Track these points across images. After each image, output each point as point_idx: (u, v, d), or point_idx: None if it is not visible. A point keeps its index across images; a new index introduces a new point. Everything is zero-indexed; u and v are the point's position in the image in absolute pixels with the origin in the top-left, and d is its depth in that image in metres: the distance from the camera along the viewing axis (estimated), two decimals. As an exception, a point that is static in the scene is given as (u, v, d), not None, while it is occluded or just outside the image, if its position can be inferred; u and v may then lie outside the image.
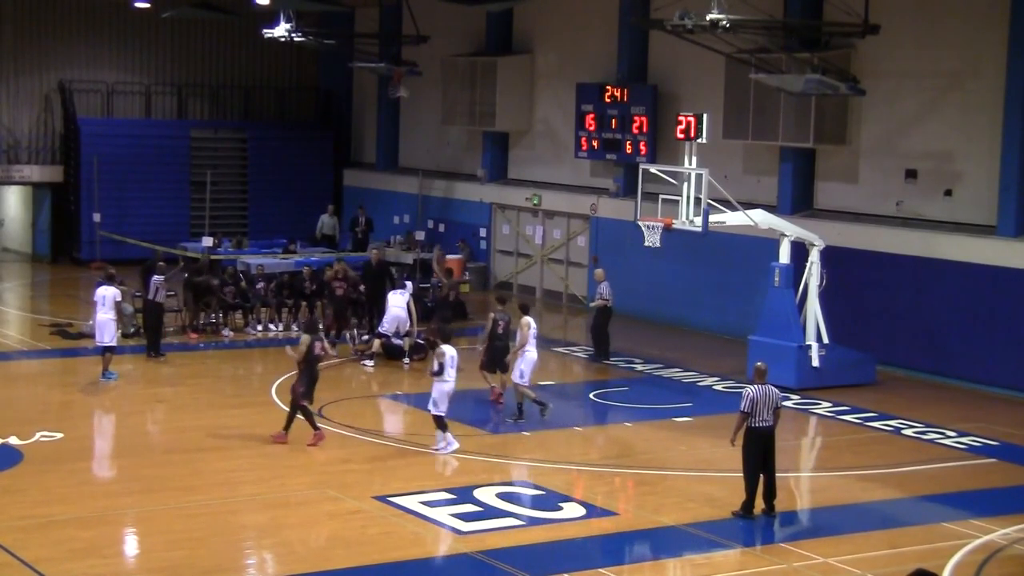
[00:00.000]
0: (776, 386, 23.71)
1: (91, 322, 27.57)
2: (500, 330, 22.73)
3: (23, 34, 38.36)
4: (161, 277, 25.81)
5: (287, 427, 19.95)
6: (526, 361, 21.86)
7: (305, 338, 20.08)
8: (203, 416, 21.62)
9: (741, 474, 17.38)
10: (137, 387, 23.93)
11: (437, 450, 19.64)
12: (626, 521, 17.03)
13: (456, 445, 19.64)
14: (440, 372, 19.57)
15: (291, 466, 19.27)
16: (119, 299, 24.30)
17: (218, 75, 41.05)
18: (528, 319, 22.19)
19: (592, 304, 27.10)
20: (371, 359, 25.73)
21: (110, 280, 24.63)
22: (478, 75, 35.53)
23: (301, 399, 19.78)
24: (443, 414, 19.64)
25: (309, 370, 19.88)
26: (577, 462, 19.68)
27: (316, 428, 19.88)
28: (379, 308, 27.32)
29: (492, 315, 23.06)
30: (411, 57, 35.31)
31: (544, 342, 29.06)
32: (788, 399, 23.58)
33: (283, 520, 16.51)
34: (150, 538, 15.83)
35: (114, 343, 23.92)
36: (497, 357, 22.74)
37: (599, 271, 28.76)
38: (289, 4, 33.33)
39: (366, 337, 27.01)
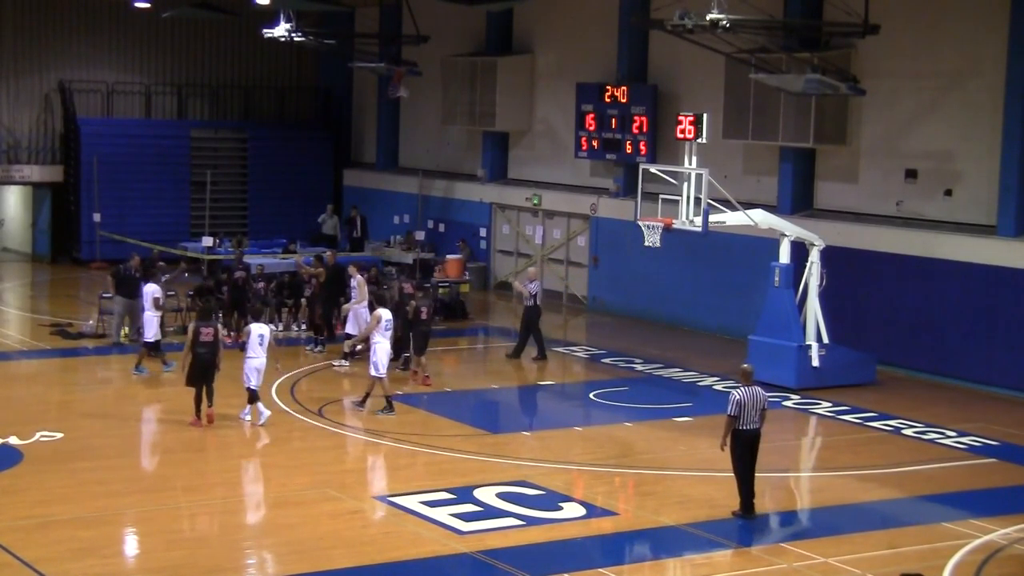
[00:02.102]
0: (776, 386, 24.00)
1: (90, 322, 27.69)
2: (423, 316, 24.20)
3: (23, 34, 38.35)
4: (162, 278, 25.79)
5: (197, 411, 20.81)
6: (381, 352, 21.75)
7: (191, 325, 21.15)
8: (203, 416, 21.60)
9: (741, 474, 17.49)
10: (137, 387, 23.93)
11: (241, 416, 21.01)
12: (626, 521, 17.03)
13: (268, 414, 20.88)
14: (244, 349, 21.05)
15: (291, 466, 19.27)
16: (157, 296, 24.36)
17: (218, 75, 41.05)
18: (381, 311, 22.14)
19: (530, 304, 26.83)
20: (347, 359, 25.40)
21: (152, 277, 25.26)
22: (478, 75, 35.54)
23: (186, 382, 20.80)
24: (254, 387, 20.84)
25: (194, 355, 20.58)
26: (577, 462, 19.68)
27: (197, 414, 20.73)
28: (336, 309, 27.25)
29: (413, 303, 24.24)
30: (411, 57, 35.32)
31: (545, 342, 29.16)
32: (788, 399, 23.64)
33: (283, 520, 16.51)
34: (150, 538, 15.82)
35: (155, 339, 24.28)
36: (421, 341, 24.13)
37: (531, 269, 28.72)
38: (289, 4, 33.32)
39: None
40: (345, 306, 26.03)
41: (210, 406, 20.84)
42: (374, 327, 21.84)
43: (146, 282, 24.89)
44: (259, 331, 21.02)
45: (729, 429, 16.83)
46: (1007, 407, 23.70)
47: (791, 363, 24.34)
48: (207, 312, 21.68)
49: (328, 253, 29.72)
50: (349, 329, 25.52)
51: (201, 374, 20.74)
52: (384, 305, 22.91)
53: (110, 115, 39.26)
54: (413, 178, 38.47)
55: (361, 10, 39.40)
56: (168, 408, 22.29)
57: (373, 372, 21.80)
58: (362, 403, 21.88)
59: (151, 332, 24.27)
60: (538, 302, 26.90)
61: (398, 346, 25.55)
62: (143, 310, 24.48)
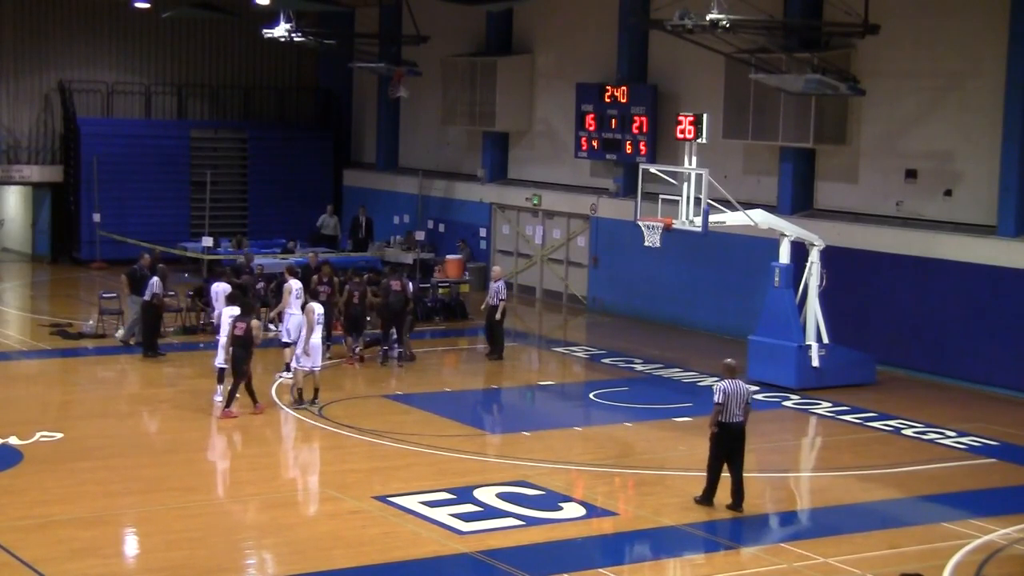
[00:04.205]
0: (776, 386, 24.03)
1: (90, 322, 27.68)
2: (355, 300, 25.50)
3: (23, 34, 38.36)
4: (158, 278, 25.78)
5: (254, 400, 21.42)
6: (311, 348, 21.88)
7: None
8: (203, 416, 21.62)
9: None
10: (137, 387, 23.94)
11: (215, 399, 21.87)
12: (626, 521, 17.03)
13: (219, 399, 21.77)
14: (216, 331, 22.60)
15: (291, 466, 19.29)
16: (229, 294, 24.49)
17: (218, 75, 41.07)
18: (312, 305, 22.30)
19: (494, 304, 26.75)
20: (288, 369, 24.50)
21: (223, 276, 25.89)
22: (478, 75, 35.54)
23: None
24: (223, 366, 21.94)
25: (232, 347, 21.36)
26: (577, 462, 19.68)
27: (228, 404, 21.38)
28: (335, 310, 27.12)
29: (347, 287, 25.58)
30: (411, 57, 35.30)
31: (544, 342, 29.22)
32: (788, 399, 23.65)
33: (283, 520, 16.51)
34: (150, 538, 15.82)
35: None
36: (355, 323, 25.58)
37: (496, 268, 28.72)
38: (289, 4, 33.32)
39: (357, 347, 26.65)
40: (274, 311, 26.02)
41: (254, 401, 21.45)
42: (312, 321, 21.95)
43: (213, 281, 25.33)
44: (230, 313, 21.89)
45: (716, 417, 17.06)
46: (1007, 407, 23.69)
47: (791, 363, 24.34)
48: (246, 307, 21.97)
49: (311, 254, 29.72)
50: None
51: (233, 367, 21.32)
52: (316, 299, 23.25)
53: (110, 115, 39.26)
54: (413, 178, 38.48)
55: (361, 10, 39.41)
56: (168, 408, 22.30)
57: (295, 364, 22.14)
58: (314, 400, 21.96)
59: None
60: (494, 302, 26.73)
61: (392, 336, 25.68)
62: (216, 308, 24.61)
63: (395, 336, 25.77)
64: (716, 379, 24.84)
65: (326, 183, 40.88)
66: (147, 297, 25.62)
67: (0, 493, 17.08)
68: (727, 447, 17.11)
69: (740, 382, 17.22)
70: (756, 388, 17.92)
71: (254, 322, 21.60)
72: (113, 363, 25.70)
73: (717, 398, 17.03)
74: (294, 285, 23.72)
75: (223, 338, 21.97)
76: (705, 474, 17.36)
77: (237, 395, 21.36)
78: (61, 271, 37.54)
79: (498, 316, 26.62)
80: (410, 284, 27.04)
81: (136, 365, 25.36)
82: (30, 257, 39.69)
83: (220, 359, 21.90)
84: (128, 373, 24.91)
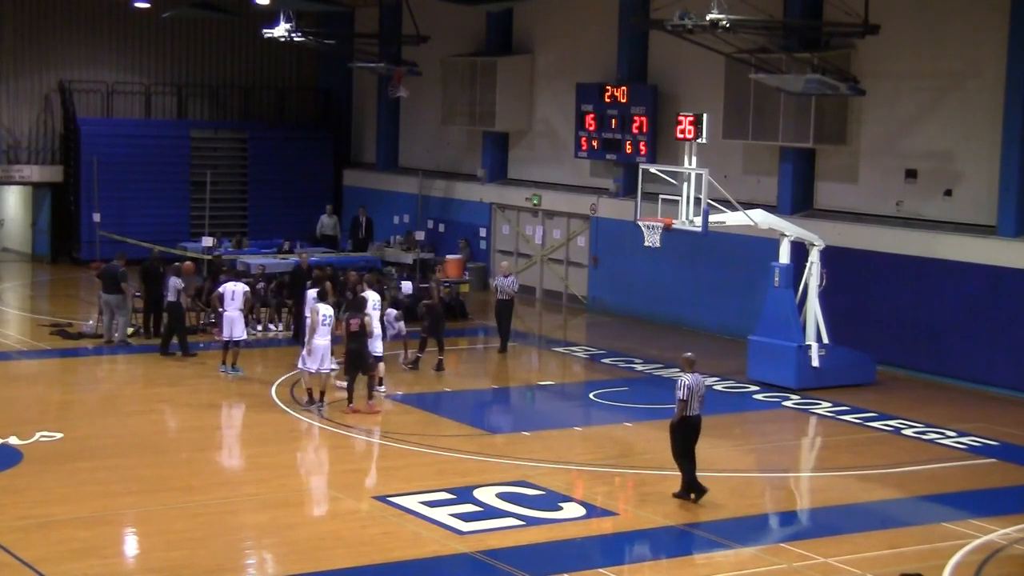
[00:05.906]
0: (776, 386, 24.05)
1: (90, 322, 27.66)
2: (352, 329, 25.10)
3: (23, 34, 38.35)
4: (179, 279, 25.79)
5: (349, 399, 21.75)
6: (315, 349, 21.82)
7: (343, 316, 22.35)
8: (203, 416, 21.63)
9: (740, 474, 17.65)
10: (137, 387, 23.94)
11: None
12: (626, 521, 17.03)
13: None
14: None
15: (291, 466, 19.29)
16: (246, 291, 24.58)
17: (218, 75, 41.06)
18: (319, 306, 22.15)
19: (503, 298, 27.22)
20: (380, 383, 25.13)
21: (238, 277, 25.72)
22: (478, 75, 35.54)
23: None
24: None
25: (345, 347, 21.83)
26: (577, 462, 19.68)
27: (349, 401, 21.73)
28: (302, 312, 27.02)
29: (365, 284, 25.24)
30: (411, 57, 35.32)
31: (544, 342, 29.22)
32: (788, 399, 23.66)
33: (283, 520, 16.51)
34: (150, 538, 15.82)
35: (244, 337, 24.47)
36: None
37: (504, 263, 28.83)
38: (289, 4, 33.33)
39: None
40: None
41: (369, 399, 21.76)
42: (317, 322, 21.87)
43: (225, 281, 25.20)
44: (324, 311, 21.99)
45: (682, 411, 17.26)
46: (1007, 407, 23.70)
47: (791, 363, 24.34)
48: (357, 304, 22.13)
49: (302, 255, 29.70)
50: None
51: (351, 364, 21.68)
52: (324, 300, 23.20)
53: (110, 115, 39.25)
54: (413, 178, 38.48)
55: (361, 10, 39.41)
56: (169, 408, 22.31)
57: (299, 365, 22.21)
58: (320, 403, 21.88)
59: (238, 330, 24.21)
60: (504, 296, 27.09)
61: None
62: (223, 308, 24.42)
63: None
64: (716, 378, 25.10)
65: (326, 183, 40.87)
66: (172, 298, 25.64)
67: (0, 493, 17.09)
68: (690, 439, 17.34)
69: (698, 375, 17.46)
70: (710, 380, 18.01)
71: (366, 318, 21.76)
72: (113, 363, 25.70)
73: (682, 394, 17.22)
74: (371, 296, 23.04)
75: (310, 321, 22.72)
76: (680, 474, 17.47)
77: (379, 388, 22.49)
78: (61, 271, 37.53)
79: (505, 298, 27.01)
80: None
81: (136, 365, 25.37)
82: (30, 257, 39.69)
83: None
84: (128, 373, 24.89)
